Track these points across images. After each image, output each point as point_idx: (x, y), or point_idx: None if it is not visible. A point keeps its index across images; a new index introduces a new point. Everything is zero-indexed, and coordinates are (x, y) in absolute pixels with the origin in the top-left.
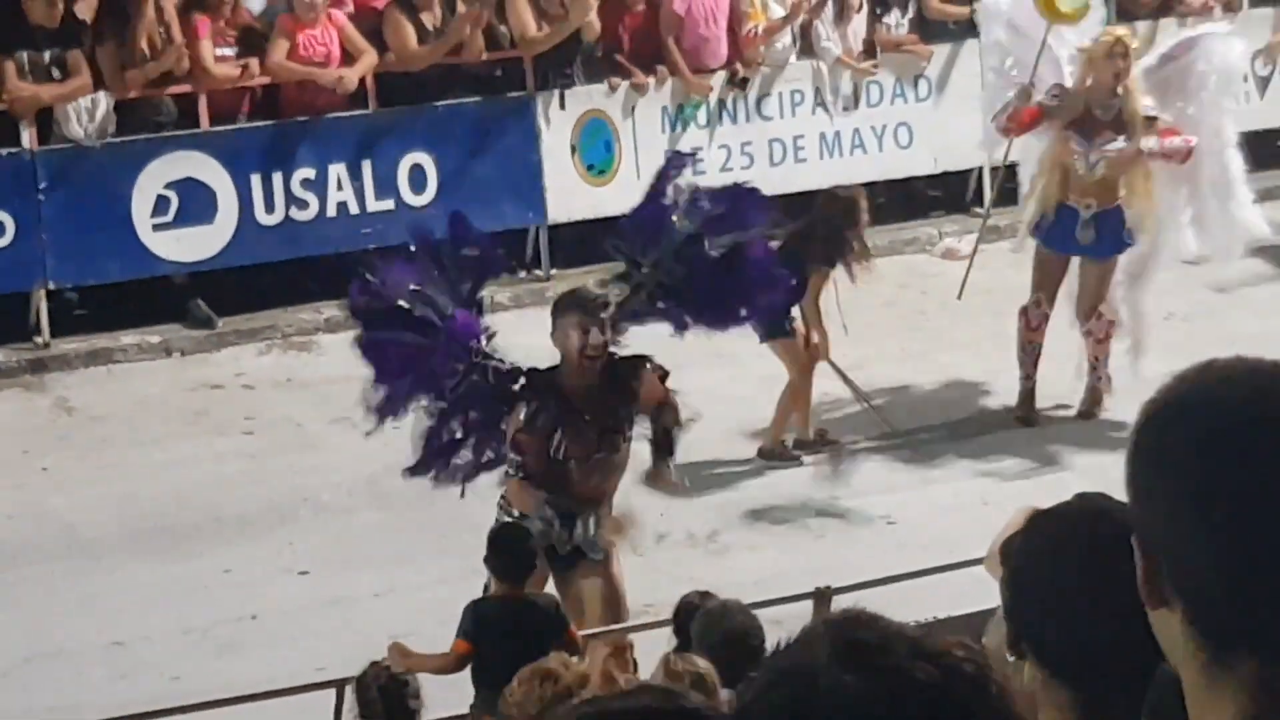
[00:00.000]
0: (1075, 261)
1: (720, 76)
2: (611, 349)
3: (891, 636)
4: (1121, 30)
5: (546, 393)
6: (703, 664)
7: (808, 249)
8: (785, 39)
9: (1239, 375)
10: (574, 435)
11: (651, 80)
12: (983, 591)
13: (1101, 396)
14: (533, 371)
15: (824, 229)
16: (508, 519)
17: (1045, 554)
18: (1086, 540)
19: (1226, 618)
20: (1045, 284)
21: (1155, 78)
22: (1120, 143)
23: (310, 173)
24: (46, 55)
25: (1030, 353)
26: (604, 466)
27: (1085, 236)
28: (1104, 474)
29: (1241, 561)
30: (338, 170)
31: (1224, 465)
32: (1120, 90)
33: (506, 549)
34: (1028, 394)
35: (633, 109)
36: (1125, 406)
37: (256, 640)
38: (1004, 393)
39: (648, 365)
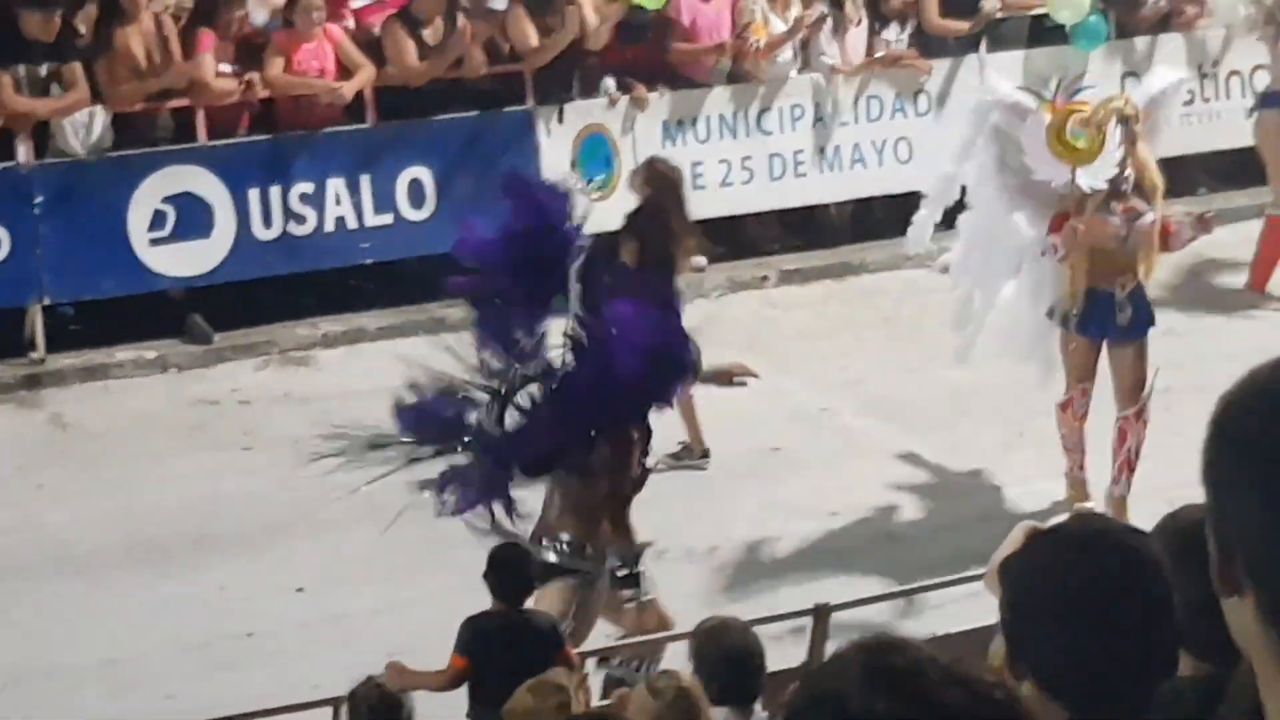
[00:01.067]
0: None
1: (720, 90)
2: None
3: (923, 662)
4: (1119, 98)
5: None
6: (686, 680)
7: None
8: (786, 53)
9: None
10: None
11: (653, 95)
12: (982, 608)
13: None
14: None
15: (650, 209)
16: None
17: (1043, 573)
18: (1085, 560)
19: None
20: (1086, 373)
21: (1149, 122)
22: (1149, 212)
23: (308, 187)
24: (43, 69)
25: (1079, 443)
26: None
27: (1124, 317)
28: (1101, 486)
29: None
30: (336, 185)
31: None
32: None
33: (506, 568)
34: (1081, 482)
35: (632, 123)
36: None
37: (253, 658)
38: (1004, 407)
39: None
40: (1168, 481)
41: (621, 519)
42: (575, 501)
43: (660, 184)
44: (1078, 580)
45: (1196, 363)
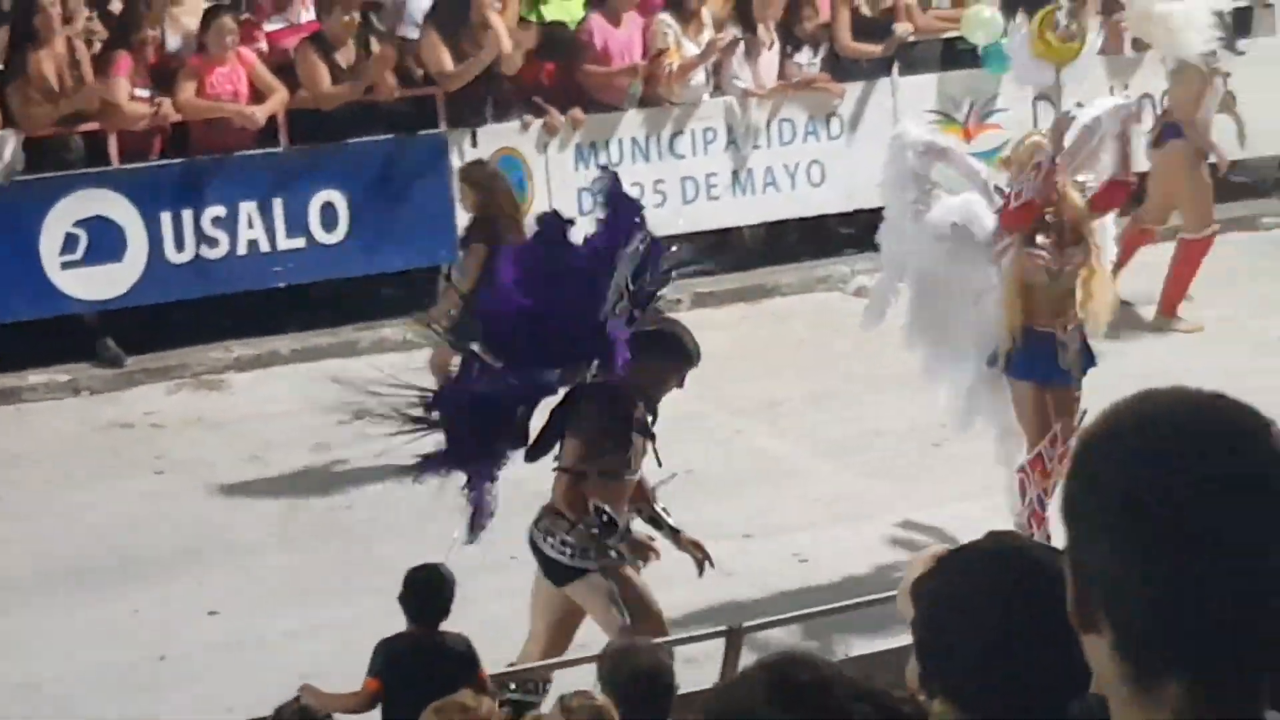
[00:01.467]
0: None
1: (633, 113)
2: None
3: (829, 678)
4: (1036, 133)
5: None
6: (600, 699)
7: (480, 229)
8: (699, 77)
9: (1173, 405)
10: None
11: (565, 120)
12: (894, 629)
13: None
14: None
15: (485, 207)
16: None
17: (955, 591)
18: (997, 578)
19: (1154, 644)
20: (1046, 420)
21: (1079, 153)
22: (1079, 246)
23: (221, 210)
24: None
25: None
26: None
27: (1066, 359)
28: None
29: (1169, 589)
30: (248, 208)
31: (1154, 494)
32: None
33: (421, 590)
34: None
35: (546, 146)
36: None
37: (167, 681)
38: (920, 430)
39: None
40: None
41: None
42: (564, 492)
43: (488, 190)
44: (989, 597)
45: (1108, 389)
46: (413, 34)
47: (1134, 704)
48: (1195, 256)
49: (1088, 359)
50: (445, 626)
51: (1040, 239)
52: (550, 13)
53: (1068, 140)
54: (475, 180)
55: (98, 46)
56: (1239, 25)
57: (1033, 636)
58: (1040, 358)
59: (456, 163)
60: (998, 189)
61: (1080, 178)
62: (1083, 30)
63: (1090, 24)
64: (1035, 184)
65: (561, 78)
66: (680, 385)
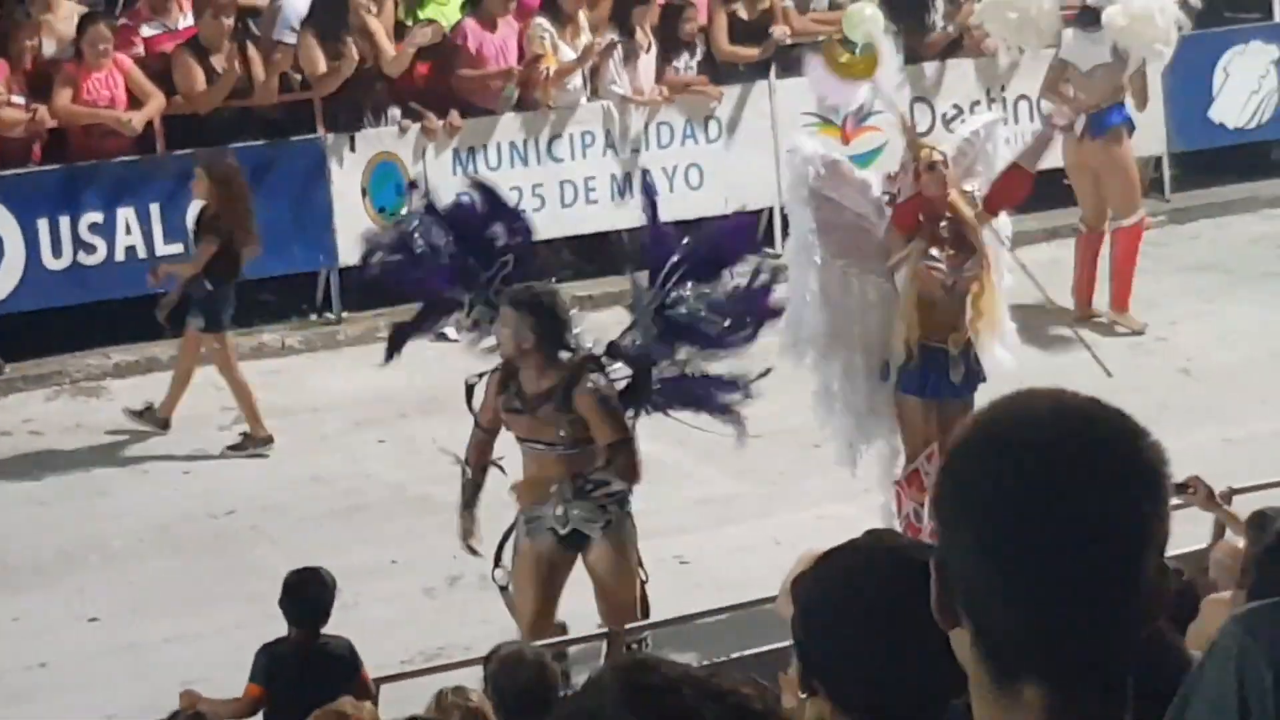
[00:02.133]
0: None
1: (510, 117)
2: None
3: (678, 679)
4: (928, 143)
5: None
6: (475, 697)
7: (214, 224)
8: (576, 81)
9: (1043, 409)
10: None
11: (442, 124)
12: (776, 630)
13: None
14: None
15: (223, 203)
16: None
17: (835, 590)
18: (875, 576)
19: (1011, 644)
20: (929, 435)
21: (962, 165)
22: (972, 258)
23: (98, 217)
24: None
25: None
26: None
27: (957, 375)
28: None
29: (1026, 591)
30: (126, 214)
31: (1015, 496)
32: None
33: (302, 593)
34: None
35: (424, 151)
36: None
37: (47, 688)
38: (798, 432)
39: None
40: None
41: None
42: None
43: (227, 185)
44: (867, 596)
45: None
46: (290, 39)
47: (995, 703)
48: (1134, 245)
49: (977, 375)
50: (327, 630)
51: (935, 251)
52: (426, 14)
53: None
54: (218, 175)
55: None
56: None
57: (911, 635)
58: (932, 373)
59: (334, 168)
60: (888, 197)
61: (968, 186)
62: (872, 50)
63: (879, 31)
64: (907, 181)
65: (437, 81)
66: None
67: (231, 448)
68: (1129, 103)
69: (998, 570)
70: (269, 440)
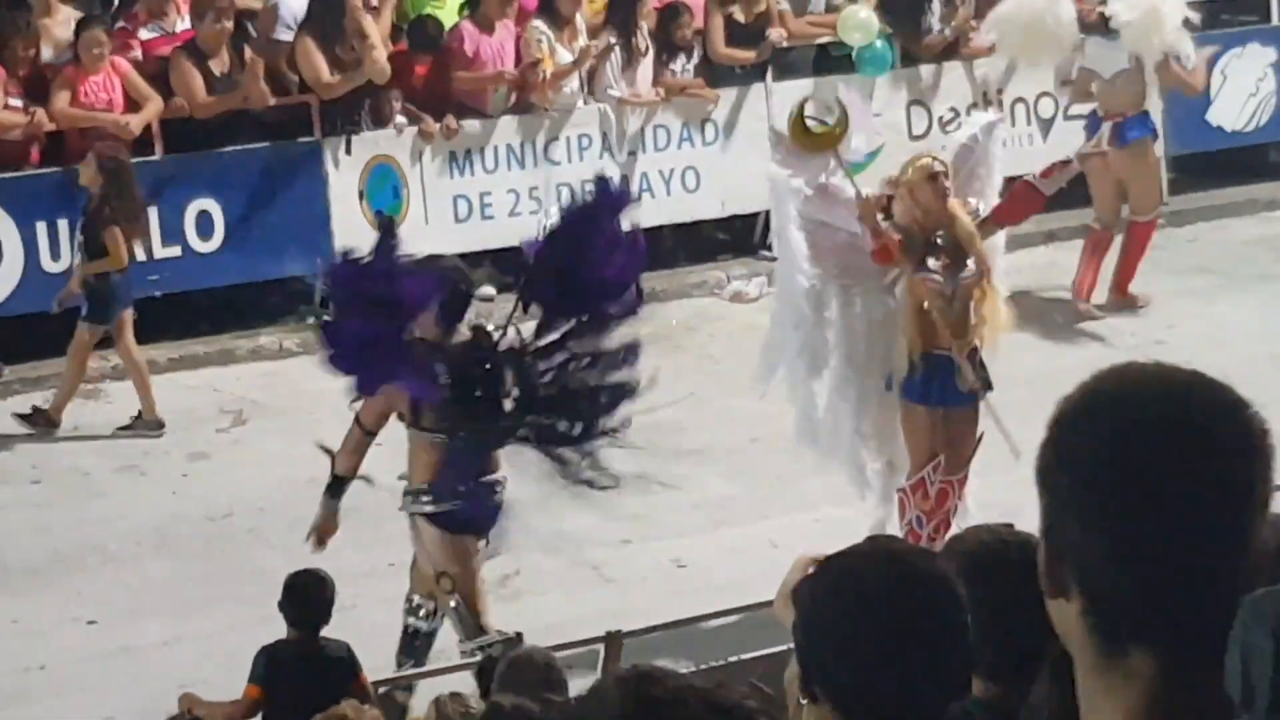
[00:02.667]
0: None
1: (507, 120)
2: None
3: (682, 690)
4: (926, 156)
5: None
6: (474, 703)
7: (102, 213)
8: (573, 83)
9: (1149, 379)
10: None
11: (440, 127)
12: (773, 634)
13: None
14: None
15: (113, 192)
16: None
17: (835, 595)
18: (876, 581)
19: (1122, 612)
20: (936, 445)
21: (963, 170)
22: (970, 265)
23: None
24: None
25: (945, 519)
26: None
27: (964, 382)
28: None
29: (1139, 558)
30: None
31: (1127, 464)
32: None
33: (301, 595)
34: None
35: (420, 154)
36: None
37: (44, 690)
38: (791, 436)
39: None
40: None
41: None
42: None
43: (118, 174)
44: (869, 601)
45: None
46: (287, 37)
47: (1100, 670)
48: (1147, 238)
49: (984, 380)
50: (326, 633)
51: (931, 262)
52: (420, 8)
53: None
54: (108, 164)
55: None
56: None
57: (911, 640)
58: (937, 381)
59: (331, 170)
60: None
61: (971, 200)
62: (840, 111)
63: (920, 185)
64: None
65: (434, 83)
66: None
67: (121, 429)
68: (1155, 110)
69: (1110, 536)
70: (160, 425)
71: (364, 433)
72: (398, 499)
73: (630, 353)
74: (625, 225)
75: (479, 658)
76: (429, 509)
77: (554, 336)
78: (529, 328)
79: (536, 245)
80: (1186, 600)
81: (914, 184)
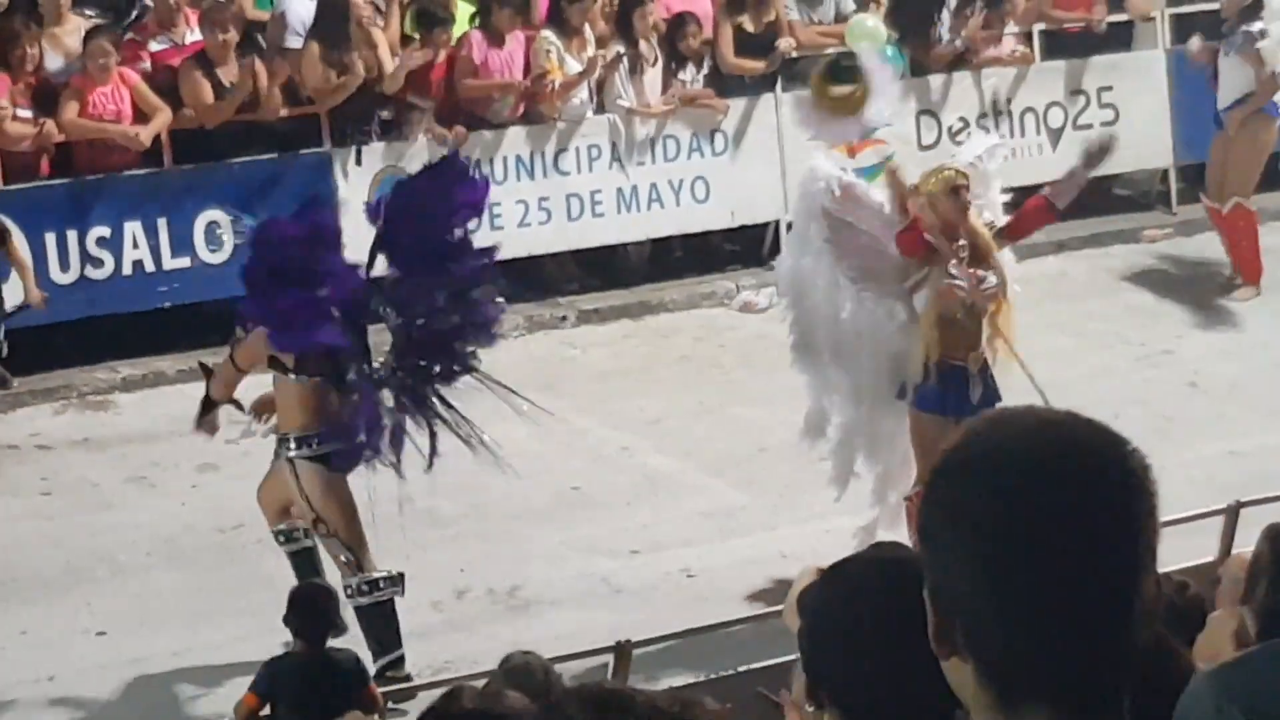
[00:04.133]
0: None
1: (516, 130)
2: None
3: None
4: (949, 168)
5: None
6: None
7: None
8: (582, 94)
9: (1026, 424)
10: None
11: (450, 134)
12: (783, 643)
13: None
14: None
15: None
16: None
17: (841, 603)
18: (882, 589)
19: (1013, 671)
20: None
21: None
22: (991, 276)
23: (105, 231)
24: None
25: None
26: None
27: (977, 394)
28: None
29: (1026, 614)
30: (133, 228)
31: (1007, 514)
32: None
33: (305, 607)
34: None
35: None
36: None
37: (55, 702)
38: (799, 445)
39: None
40: None
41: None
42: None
43: None
44: (874, 608)
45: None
46: (296, 44)
47: None
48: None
49: (994, 394)
50: (336, 643)
51: (954, 270)
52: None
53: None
54: None
55: None
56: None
57: (917, 647)
58: (951, 391)
59: (340, 181)
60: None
61: (986, 215)
62: (861, 82)
63: (942, 195)
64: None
65: (446, 93)
66: None
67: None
68: None
69: (993, 593)
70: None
71: (237, 370)
72: (408, 508)
73: (486, 304)
74: (470, 198)
75: (365, 599)
76: (314, 452)
77: (413, 286)
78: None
79: (388, 201)
80: (1078, 654)
81: (936, 195)
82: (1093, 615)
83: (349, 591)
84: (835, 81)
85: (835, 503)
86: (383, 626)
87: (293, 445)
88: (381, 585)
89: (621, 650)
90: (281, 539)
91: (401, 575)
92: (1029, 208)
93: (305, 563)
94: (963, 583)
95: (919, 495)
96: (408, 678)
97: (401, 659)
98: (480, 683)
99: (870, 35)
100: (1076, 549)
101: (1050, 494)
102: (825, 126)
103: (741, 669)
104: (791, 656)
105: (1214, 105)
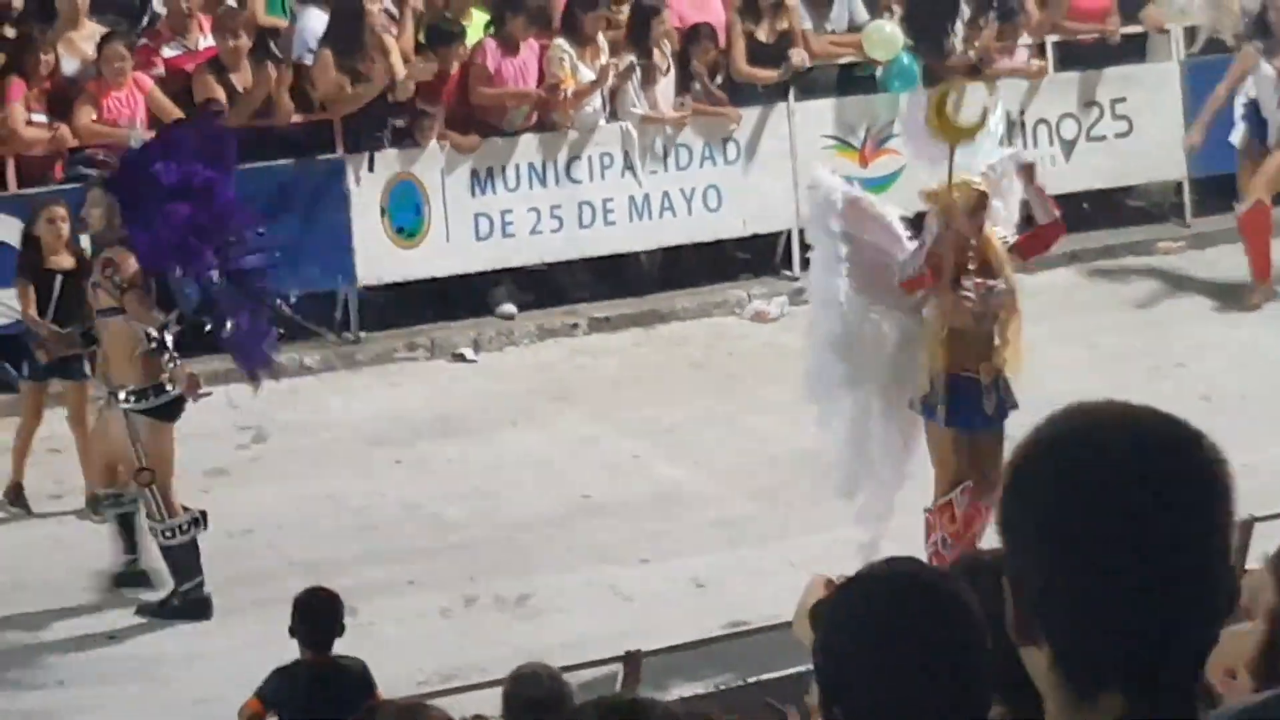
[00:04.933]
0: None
1: (529, 138)
2: None
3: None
4: (975, 180)
5: None
6: None
7: None
8: (595, 102)
9: (1104, 421)
10: None
11: (462, 143)
12: (792, 655)
13: None
14: None
15: None
16: None
17: (857, 616)
18: (898, 603)
19: (1089, 656)
20: (963, 468)
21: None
22: (1000, 284)
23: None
24: None
25: (971, 543)
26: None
27: (990, 404)
28: (915, 543)
29: (1101, 604)
30: None
31: (1084, 508)
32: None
33: (309, 614)
34: None
35: (442, 172)
36: None
37: (67, 708)
38: (809, 455)
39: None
40: None
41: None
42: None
43: None
44: (889, 623)
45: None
46: (309, 60)
47: (1069, 714)
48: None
49: (1008, 404)
50: (343, 650)
51: (964, 281)
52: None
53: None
54: None
55: None
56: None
57: (931, 661)
58: (963, 403)
59: (353, 187)
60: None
61: (1001, 231)
62: (981, 115)
63: (992, 105)
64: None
65: (460, 100)
66: None
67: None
68: None
69: (1070, 583)
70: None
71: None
72: (413, 518)
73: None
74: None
75: (175, 541)
76: (151, 404)
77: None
78: None
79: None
80: (1154, 644)
81: (956, 210)
82: (1168, 605)
83: (165, 535)
84: (958, 109)
85: (844, 514)
86: (188, 560)
87: (129, 399)
88: (187, 528)
89: (631, 659)
90: (109, 502)
91: (204, 513)
92: (1040, 229)
93: (126, 527)
94: (1041, 573)
95: (941, 510)
96: (208, 598)
97: (201, 583)
98: (487, 693)
99: (888, 42)
100: (1153, 540)
101: (1127, 486)
102: (924, 139)
103: (750, 680)
104: (801, 668)
105: (1229, 118)
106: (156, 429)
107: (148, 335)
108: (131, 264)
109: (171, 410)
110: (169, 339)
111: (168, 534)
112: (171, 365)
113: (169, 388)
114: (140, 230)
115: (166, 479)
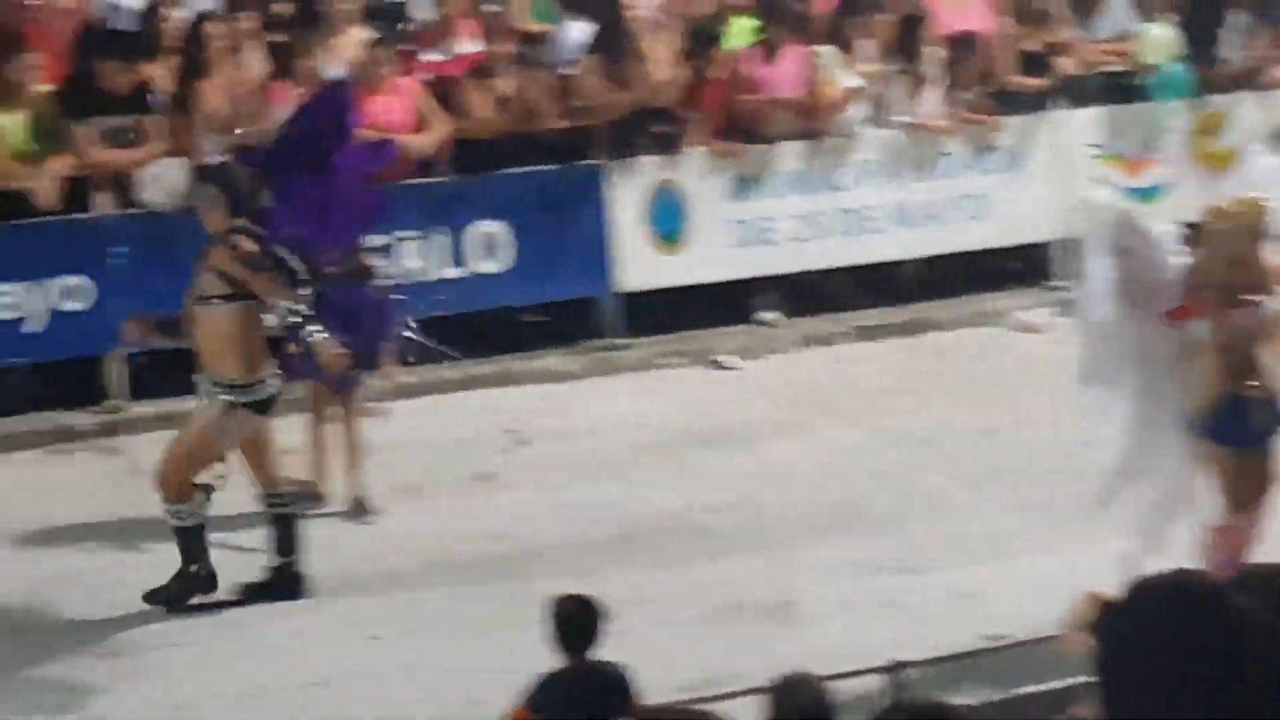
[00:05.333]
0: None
1: (790, 146)
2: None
3: None
4: (1258, 198)
5: None
6: None
7: None
8: (859, 110)
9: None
10: None
11: (724, 150)
12: (1056, 669)
13: None
14: None
15: None
16: None
17: (1144, 629)
18: (1184, 617)
19: None
20: (1238, 485)
21: None
22: (1269, 305)
23: (381, 239)
24: (124, 120)
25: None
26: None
27: (1259, 421)
28: (1177, 557)
29: None
30: (407, 237)
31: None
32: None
33: (564, 620)
34: None
35: (703, 179)
36: None
37: (321, 708)
38: (1083, 466)
39: None
40: None
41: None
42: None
43: None
44: (1177, 635)
45: None
46: (571, 70)
47: None
48: None
49: (1275, 421)
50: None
51: (1238, 299)
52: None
53: None
54: None
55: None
56: None
57: (1220, 674)
58: (1237, 422)
59: (615, 195)
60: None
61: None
62: (1233, 150)
63: (1250, 140)
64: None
65: (721, 109)
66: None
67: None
68: None
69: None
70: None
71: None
72: (674, 525)
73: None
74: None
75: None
76: (255, 397)
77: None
78: None
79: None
80: None
81: (1232, 233)
82: None
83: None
84: (1212, 134)
85: (1109, 529)
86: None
87: (240, 391)
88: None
89: (895, 671)
90: (275, 503)
91: (209, 486)
92: None
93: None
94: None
95: (1222, 530)
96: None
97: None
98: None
99: (1162, 46)
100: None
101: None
102: (1191, 173)
103: (1015, 693)
104: (1068, 681)
105: None
106: (252, 422)
107: (282, 313)
108: (251, 246)
109: (267, 405)
110: (303, 312)
111: (179, 516)
112: (310, 339)
113: (268, 382)
114: (278, 200)
115: (204, 463)
